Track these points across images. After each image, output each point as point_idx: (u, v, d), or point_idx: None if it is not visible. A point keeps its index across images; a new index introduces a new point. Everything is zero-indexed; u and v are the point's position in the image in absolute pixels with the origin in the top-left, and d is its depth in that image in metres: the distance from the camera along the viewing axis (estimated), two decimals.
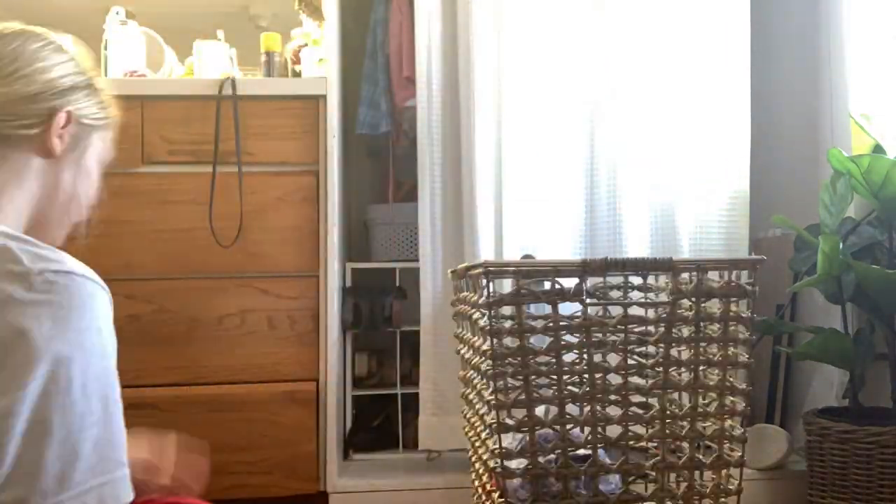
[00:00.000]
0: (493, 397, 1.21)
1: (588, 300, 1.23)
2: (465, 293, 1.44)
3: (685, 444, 1.27)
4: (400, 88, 2.05)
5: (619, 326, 1.26)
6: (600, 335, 1.36)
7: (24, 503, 0.68)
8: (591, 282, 1.25)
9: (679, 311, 1.25)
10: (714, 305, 1.26)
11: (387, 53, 2.07)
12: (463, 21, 1.92)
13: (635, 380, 1.35)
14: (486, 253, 1.88)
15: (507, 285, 1.52)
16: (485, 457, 1.32)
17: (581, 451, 1.27)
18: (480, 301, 1.27)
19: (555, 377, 1.22)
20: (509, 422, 1.21)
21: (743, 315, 1.25)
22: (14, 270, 0.72)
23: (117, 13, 1.96)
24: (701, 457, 1.27)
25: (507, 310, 1.28)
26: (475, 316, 1.30)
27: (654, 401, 1.36)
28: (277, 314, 1.80)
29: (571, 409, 1.31)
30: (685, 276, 1.27)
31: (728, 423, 1.28)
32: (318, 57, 1.92)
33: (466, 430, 1.51)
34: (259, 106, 1.81)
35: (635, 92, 1.95)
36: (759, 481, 1.84)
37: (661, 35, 1.96)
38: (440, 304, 1.89)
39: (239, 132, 1.79)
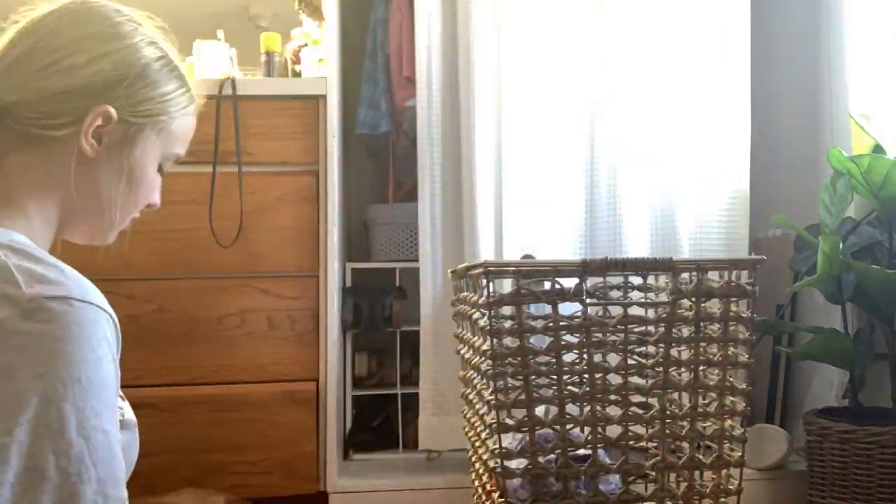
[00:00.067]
0: (493, 397, 1.21)
1: (588, 300, 1.23)
2: (465, 293, 1.44)
3: (685, 444, 1.27)
4: (400, 88, 2.05)
5: (619, 326, 1.26)
6: (600, 335, 1.36)
7: None
8: (591, 282, 1.25)
9: (679, 311, 1.25)
10: (714, 305, 1.26)
11: (387, 53, 2.07)
12: (463, 21, 1.92)
13: (635, 380, 1.35)
14: (486, 253, 1.88)
15: (507, 285, 1.52)
16: (485, 457, 1.32)
17: (581, 451, 1.27)
18: (480, 301, 1.27)
19: (555, 377, 1.22)
20: (509, 422, 1.21)
21: (743, 315, 1.25)
22: (8, 294, 0.66)
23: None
24: (701, 457, 1.27)
25: (507, 310, 1.28)
26: (475, 316, 1.30)
27: (654, 401, 1.36)
28: (277, 314, 1.80)
29: (571, 409, 1.31)
30: (685, 276, 1.27)
31: (728, 423, 1.28)
32: (318, 57, 1.92)
33: (466, 430, 1.51)
34: (259, 106, 1.81)
35: (635, 92, 1.95)
36: (759, 481, 1.84)
37: (661, 35, 1.96)
38: (440, 304, 1.89)
39: (239, 132, 1.79)
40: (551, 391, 1.24)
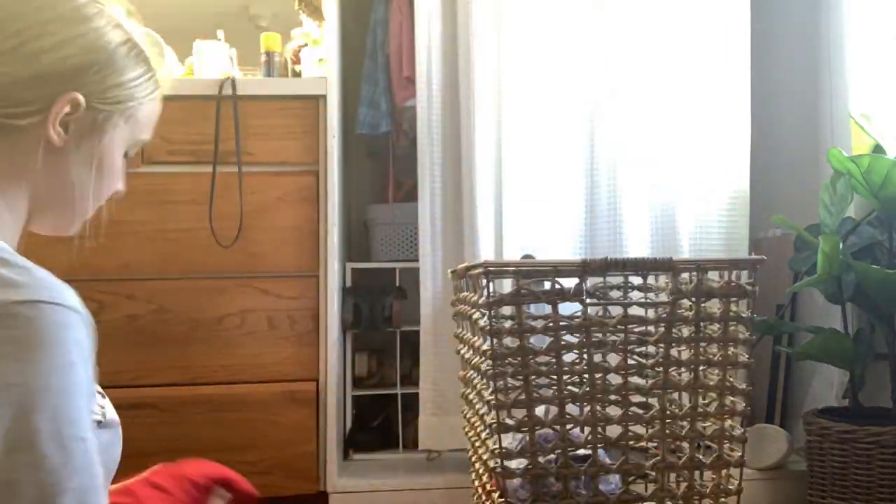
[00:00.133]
0: (493, 397, 1.21)
1: (588, 300, 1.23)
2: (465, 293, 1.44)
3: (685, 444, 1.27)
4: (400, 88, 2.05)
5: (619, 326, 1.26)
6: (600, 335, 1.36)
7: None
8: (591, 282, 1.25)
9: (679, 311, 1.25)
10: (714, 305, 1.26)
11: (387, 53, 2.07)
12: (463, 21, 1.92)
13: (635, 380, 1.35)
14: (486, 253, 1.88)
15: (507, 285, 1.52)
16: (485, 457, 1.32)
17: (581, 451, 1.27)
18: (480, 301, 1.27)
19: (555, 377, 1.22)
20: (509, 422, 1.21)
21: (743, 315, 1.25)
22: None
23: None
24: (701, 457, 1.27)
25: (507, 310, 1.28)
26: (475, 316, 1.30)
27: (654, 401, 1.36)
28: (277, 314, 1.80)
29: (571, 409, 1.31)
30: (685, 276, 1.27)
31: (728, 423, 1.28)
32: (318, 57, 1.92)
33: (466, 430, 1.51)
34: (259, 106, 1.81)
35: (635, 92, 1.95)
36: (759, 481, 1.84)
37: (661, 35, 1.96)
38: (440, 304, 1.89)
39: (239, 132, 1.79)
40: (551, 391, 1.24)
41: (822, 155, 1.89)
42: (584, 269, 1.21)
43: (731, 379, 1.27)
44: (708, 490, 1.27)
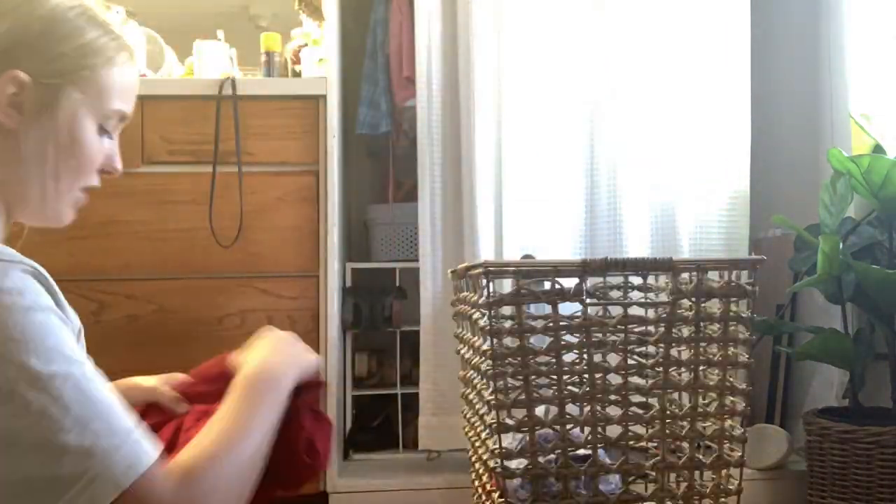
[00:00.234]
0: (493, 397, 1.21)
1: (588, 300, 1.23)
2: (465, 293, 1.44)
3: (685, 444, 1.27)
4: (400, 88, 2.05)
5: (619, 326, 1.26)
6: (600, 335, 1.35)
7: None
8: (591, 282, 1.25)
9: (679, 311, 1.25)
10: (714, 305, 1.26)
11: (387, 53, 2.07)
12: (463, 21, 1.92)
13: (635, 380, 1.35)
14: (486, 253, 1.88)
15: (507, 285, 1.52)
16: (485, 457, 1.32)
17: (581, 451, 1.27)
18: (480, 301, 1.27)
19: (555, 377, 1.22)
20: (509, 422, 1.21)
21: (743, 315, 1.25)
22: None
23: (117, 13, 1.96)
24: (701, 457, 1.27)
25: (507, 310, 1.28)
26: (475, 316, 1.30)
27: (654, 401, 1.36)
28: (277, 314, 1.80)
29: (571, 409, 1.31)
30: (685, 276, 1.27)
31: (728, 423, 1.28)
32: (318, 57, 1.92)
33: (466, 430, 1.51)
34: (259, 106, 1.81)
35: (635, 92, 1.95)
36: (759, 481, 1.84)
37: (661, 35, 1.96)
38: (440, 304, 1.89)
39: (239, 132, 1.79)
40: (551, 391, 1.24)
41: (822, 155, 1.89)
42: (584, 269, 1.21)
43: (731, 379, 1.27)
44: (708, 490, 1.27)
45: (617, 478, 1.35)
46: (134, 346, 1.74)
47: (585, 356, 1.25)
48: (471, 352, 1.39)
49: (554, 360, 1.22)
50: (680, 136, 1.96)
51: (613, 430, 1.27)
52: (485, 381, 1.27)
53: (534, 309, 1.47)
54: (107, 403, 0.66)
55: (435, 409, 1.89)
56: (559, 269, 1.20)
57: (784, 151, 2.19)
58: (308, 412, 0.90)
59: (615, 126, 1.94)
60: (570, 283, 1.21)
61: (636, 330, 1.29)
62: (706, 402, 1.29)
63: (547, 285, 1.21)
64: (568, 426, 1.23)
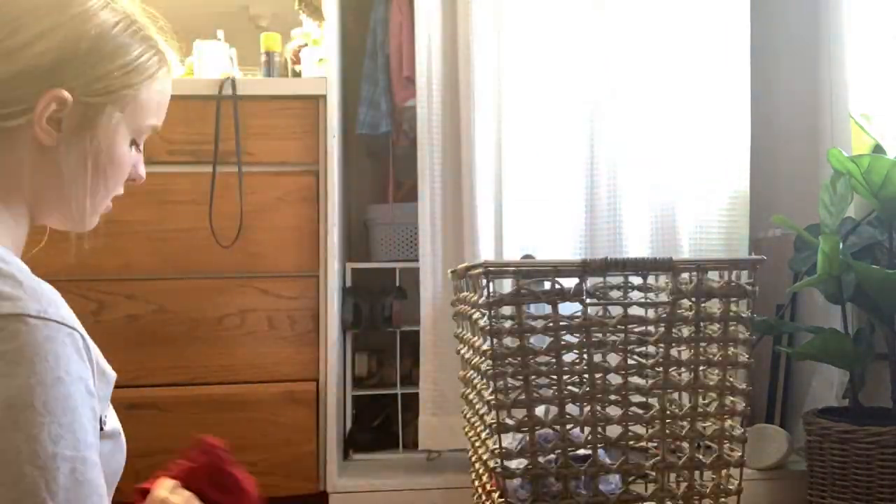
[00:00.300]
0: (493, 397, 1.21)
1: (588, 300, 1.23)
2: (465, 293, 1.44)
3: (685, 444, 1.27)
4: (400, 88, 2.05)
5: (619, 326, 1.26)
6: (600, 335, 1.36)
7: None
8: (591, 282, 1.25)
9: (679, 311, 1.25)
10: (714, 305, 1.26)
11: (387, 53, 2.07)
12: (463, 21, 1.92)
13: (635, 380, 1.35)
14: (486, 253, 1.88)
15: (507, 285, 1.52)
16: (485, 457, 1.32)
17: (581, 451, 1.27)
18: (480, 301, 1.27)
19: (555, 377, 1.22)
20: (509, 422, 1.21)
21: (743, 315, 1.25)
22: None
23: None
24: (701, 457, 1.27)
25: (507, 310, 1.28)
26: (475, 316, 1.30)
27: (654, 401, 1.36)
28: (277, 314, 1.80)
29: (571, 409, 1.31)
30: (685, 276, 1.27)
31: (728, 423, 1.28)
32: (318, 57, 1.92)
33: (466, 430, 1.51)
34: (259, 106, 1.81)
35: (635, 92, 1.95)
36: (759, 481, 1.84)
37: (661, 35, 1.96)
38: (440, 304, 1.89)
39: (239, 132, 1.79)
40: (551, 391, 1.24)
41: (822, 155, 1.89)
42: (584, 269, 1.21)
43: (731, 379, 1.27)
44: (708, 490, 1.27)
45: (617, 478, 1.35)
46: (134, 346, 1.74)
47: (585, 356, 1.25)
48: (471, 352, 1.39)
49: (554, 360, 1.22)
50: (680, 136, 1.96)
51: (613, 430, 1.27)
52: (485, 381, 1.27)
53: (534, 309, 1.47)
54: (94, 493, 0.65)
55: (435, 409, 1.89)
56: (559, 269, 1.20)
57: (784, 151, 2.19)
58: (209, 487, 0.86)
59: (615, 126, 1.94)
60: (570, 283, 1.21)
61: (636, 330, 1.29)
62: (706, 402, 1.29)
63: (547, 285, 1.21)
64: (568, 426, 1.23)
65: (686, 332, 1.25)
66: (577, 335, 1.23)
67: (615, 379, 1.27)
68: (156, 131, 0.83)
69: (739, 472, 1.28)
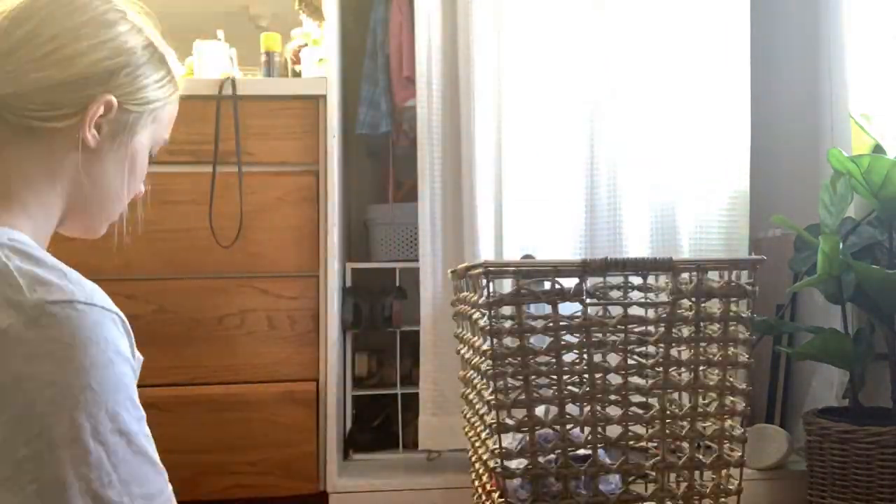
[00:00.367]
0: (493, 397, 1.21)
1: (588, 300, 1.23)
2: (465, 293, 1.44)
3: (685, 444, 1.27)
4: (400, 88, 2.05)
5: (619, 326, 1.26)
6: (600, 335, 1.36)
7: None
8: (591, 282, 1.25)
9: (679, 311, 1.25)
10: (714, 305, 1.26)
11: (387, 53, 2.07)
12: (463, 21, 1.92)
13: (635, 380, 1.35)
14: (486, 253, 1.88)
15: (507, 285, 1.52)
16: (485, 457, 1.32)
17: (581, 451, 1.27)
18: (480, 301, 1.27)
19: (555, 377, 1.22)
20: (509, 422, 1.21)
21: (743, 315, 1.25)
22: (11, 299, 0.65)
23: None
24: (701, 457, 1.27)
25: (507, 310, 1.28)
26: (475, 316, 1.30)
27: (654, 401, 1.36)
28: (277, 314, 1.80)
29: (571, 409, 1.31)
30: (685, 276, 1.27)
31: (728, 423, 1.28)
32: (318, 57, 1.92)
33: (466, 430, 1.51)
34: (259, 106, 1.81)
35: (635, 92, 1.95)
36: (759, 481, 1.84)
37: (661, 35, 1.96)
38: (440, 304, 1.89)
39: (239, 132, 1.79)
40: (551, 391, 1.24)
41: (822, 155, 1.89)
42: (584, 269, 1.21)
43: (731, 379, 1.27)
44: (708, 490, 1.27)
45: (617, 478, 1.35)
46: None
47: (585, 356, 1.25)
48: (471, 352, 1.39)
49: (554, 360, 1.22)
50: (680, 136, 1.96)
51: (613, 430, 1.27)
52: (485, 381, 1.27)
53: (534, 309, 1.47)
54: (148, 464, 0.71)
55: (435, 409, 1.89)
56: (559, 269, 1.20)
57: (784, 151, 2.19)
58: None
59: (615, 126, 1.94)
60: (570, 283, 1.21)
61: (636, 330, 1.29)
62: (706, 402, 1.29)
63: (547, 285, 1.21)
64: (568, 426, 1.23)
65: (686, 332, 1.25)
66: (577, 335, 1.23)
67: (615, 379, 1.27)
68: (164, 145, 0.91)
69: (739, 472, 1.28)
